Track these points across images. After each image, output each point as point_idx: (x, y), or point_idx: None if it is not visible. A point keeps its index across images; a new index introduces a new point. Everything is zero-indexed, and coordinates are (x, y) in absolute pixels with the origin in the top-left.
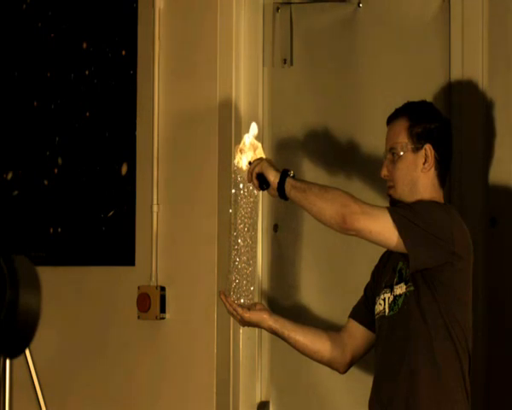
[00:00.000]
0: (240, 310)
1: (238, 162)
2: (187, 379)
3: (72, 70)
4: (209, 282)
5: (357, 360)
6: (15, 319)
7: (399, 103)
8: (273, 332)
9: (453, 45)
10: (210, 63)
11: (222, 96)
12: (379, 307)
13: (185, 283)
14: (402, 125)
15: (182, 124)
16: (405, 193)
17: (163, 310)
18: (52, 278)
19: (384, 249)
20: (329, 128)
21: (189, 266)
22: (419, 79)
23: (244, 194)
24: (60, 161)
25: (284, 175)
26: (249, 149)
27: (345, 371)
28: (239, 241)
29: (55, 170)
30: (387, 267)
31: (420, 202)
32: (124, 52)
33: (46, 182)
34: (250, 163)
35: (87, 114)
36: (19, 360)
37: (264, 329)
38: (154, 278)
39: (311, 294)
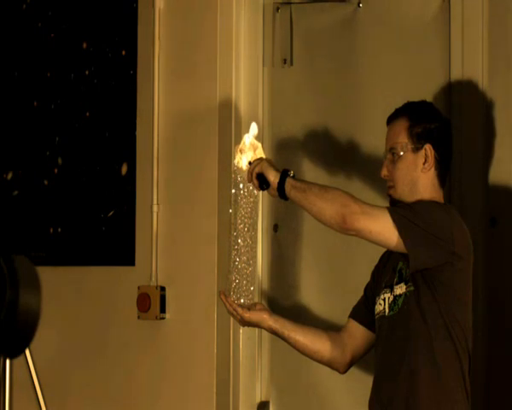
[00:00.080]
0: (240, 310)
1: (238, 162)
2: (187, 379)
3: (72, 70)
4: (209, 282)
5: (357, 360)
6: (15, 319)
7: (399, 103)
8: (273, 332)
9: (453, 45)
10: (210, 63)
11: (222, 96)
12: (379, 307)
13: (185, 283)
14: (402, 125)
15: (182, 124)
16: (405, 193)
17: (163, 310)
18: (52, 278)
19: (384, 249)
20: (329, 128)
21: (189, 266)
22: (419, 79)
23: (244, 194)
24: (60, 161)
25: (284, 175)
26: (249, 149)
27: (345, 371)
28: (239, 241)
29: (55, 170)
30: (387, 267)
31: (420, 202)
32: (124, 52)
33: (46, 182)
34: (250, 163)
35: (87, 114)
36: (19, 360)
37: (264, 329)
38: (154, 278)
39: (311, 294)
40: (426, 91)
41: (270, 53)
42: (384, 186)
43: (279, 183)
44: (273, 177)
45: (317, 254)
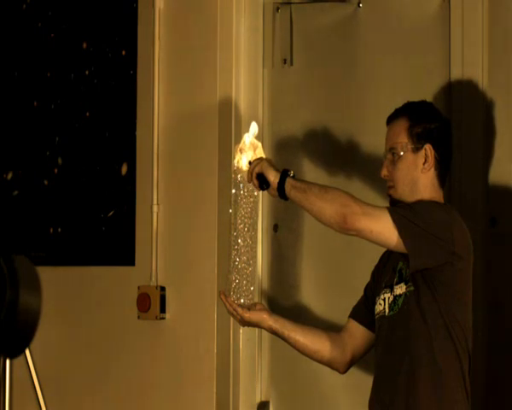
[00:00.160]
0: (240, 310)
1: (238, 162)
2: (187, 379)
3: (72, 70)
4: (209, 282)
5: (358, 360)
6: (15, 319)
7: (399, 103)
8: (273, 332)
9: (453, 45)
10: (210, 63)
11: (222, 96)
12: (379, 307)
13: (185, 283)
14: (402, 126)
15: (182, 124)
16: (405, 193)
17: (163, 310)
18: (52, 278)
19: (384, 249)
20: (329, 128)
21: (189, 266)
22: (419, 79)
23: (244, 194)
24: (60, 161)
25: (284, 175)
26: (249, 149)
27: (345, 371)
28: (239, 241)
29: (55, 170)
30: (387, 267)
31: (420, 202)
32: (124, 52)
33: (46, 182)
34: (250, 163)
35: (87, 114)
36: (19, 360)
37: (264, 329)
38: (154, 278)
39: (311, 294)
40: (426, 91)
41: (270, 53)
42: (384, 186)
43: (279, 183)
44: (273, 177)
45: (317, 254)
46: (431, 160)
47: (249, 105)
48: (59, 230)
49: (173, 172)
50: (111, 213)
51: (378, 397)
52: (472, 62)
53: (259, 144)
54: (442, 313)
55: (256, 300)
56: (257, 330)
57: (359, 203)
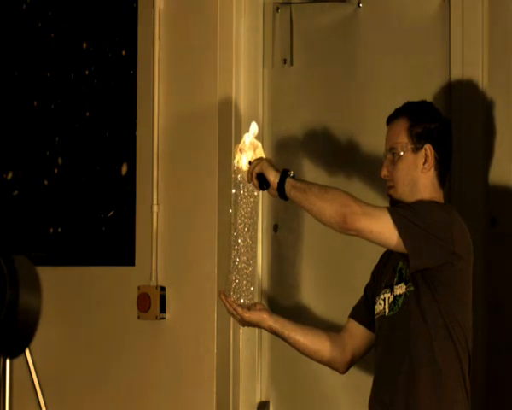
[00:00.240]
0: (240, 310)
1: (238, 162)
2: (187, 379)
3: (72, 70)
4: (209, 282)
5: (358, 360)
6: (15, 319)
7: (399, 103)
8: (273, 332)
9: (453, 45)
10: (210, 63)
11: (222, 96)
12: (379, 307)
13: (185, 283)
14: (402, 126)
15: (182, 124)
16: (405, 193)
17: (163, 310)
18: (52, 278)
19: (384, 249)
20: (329, 128)
21: (189, 266)
22: (419, 79)
23: (244, 194)
24: (60, 161)
25: (284, 175)
26: (249, 149)
27: (345, 371)
28: (239, 241)
29: (55, 170)
30: (387, 267)
31: (420, 202)
32: (124, 52)
33: (46, 182)
34: (250, 163)
35: (87, 114)
36: (19, 360)
37: (264, 329)
38: (154, 278)
39: (311, 294)
40: (426, 91)
41: (270, 53)
42: (384, 186)
43: (279, 183)
44: (273, 177)
45: (317, 254)
46: (431, 160)
47: (249, 105)
48: (59, 230)
49: (173, 172)
50: (111, 213)
51: (378, 397)
52: (472, 62)
53: (259, 144)
54: (442, 313)
55: (256, 300)
56: (257, 330)
57: (359, 203)
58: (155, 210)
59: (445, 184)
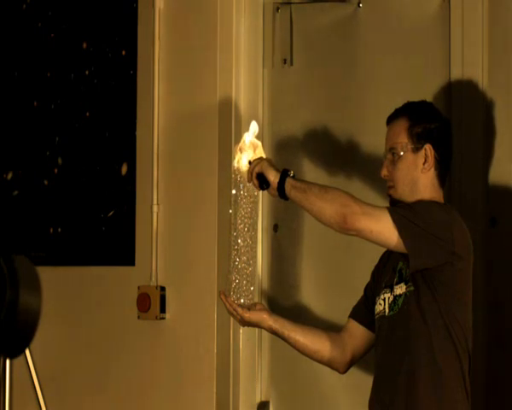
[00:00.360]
0: (240, 310)
1: (238, 161)
2: (187, 379)
3: (72, 70)
4: (209, 282)
5: (358, 360)
6: (15, 319)
7: (399, 103)
8: (273, 332)
9: (453, 45)
10: (210, 63)
11: (222, 96)
12: (379, 307)
13: (185, 283)
14: (402, 126)
15: (182, 124)
16: (405, 193)
17: (163, 310)
18: (52, 278)
19: (384, 249)
20: (329, 128)
21: (189, 266)
22: (419, 79)
23: (244, 194)
24: (60, 161)
25: (284, 175)
26: (249, 148)
27: (345, 371)
28: (239, 241)
29: (55, 170)
30: (387, 267)
31: (420, 202)
32: (124, 52)
33: (46, 182)
34: (250, 162)
35: (87, 114)
36: (19, 360)
37: (264, 329)
38: (154, 278)
39: (311, 294)
40: (426, 91)
41: (270, 53)
42: (384, 186)
43: (279, 183)
44: (273, 177)
45: (317, 254)
46: (431, 160)
47: (249, 105)
48: (59, 230)
49: (173, 172)
50: (111, 213)
51: (378, 397)
52: (472, 62)
53: (259, 144)
54: (442, 313)
55: (256, 300)
56: (257, 330)
57: (359, 203)
58: (155, 210)
59: (445, 184)
